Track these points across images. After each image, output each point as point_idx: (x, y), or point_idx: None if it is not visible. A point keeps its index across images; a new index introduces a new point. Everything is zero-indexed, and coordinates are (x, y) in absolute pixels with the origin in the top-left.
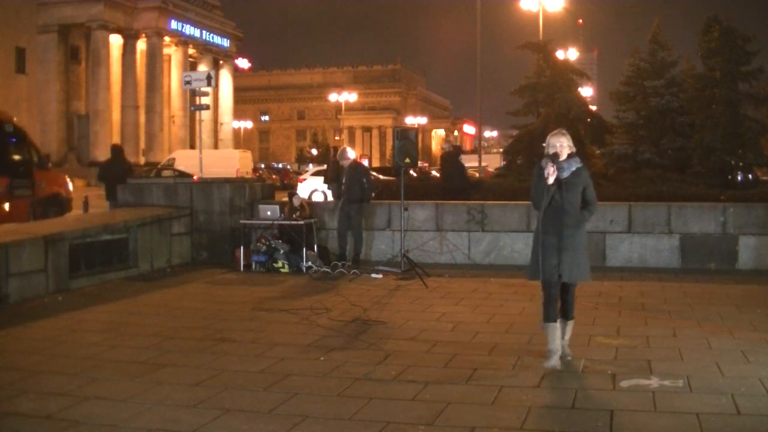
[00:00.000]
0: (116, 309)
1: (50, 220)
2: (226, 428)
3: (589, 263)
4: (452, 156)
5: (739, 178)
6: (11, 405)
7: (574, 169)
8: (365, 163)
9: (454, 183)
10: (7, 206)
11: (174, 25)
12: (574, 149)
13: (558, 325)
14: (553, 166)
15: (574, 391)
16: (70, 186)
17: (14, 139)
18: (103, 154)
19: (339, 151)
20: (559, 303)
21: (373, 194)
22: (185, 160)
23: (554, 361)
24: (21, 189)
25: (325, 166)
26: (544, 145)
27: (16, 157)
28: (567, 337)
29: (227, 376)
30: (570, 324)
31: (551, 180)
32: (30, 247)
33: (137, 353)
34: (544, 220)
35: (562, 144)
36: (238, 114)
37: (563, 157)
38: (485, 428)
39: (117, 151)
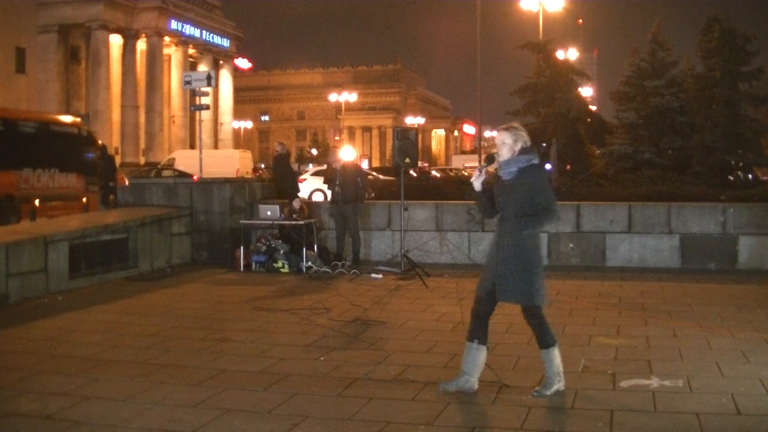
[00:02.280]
0: (116, 309)
1: (50, 220)
2: (226, 428)
3: (533, 283)
4: (283, 158)
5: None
6: (11, 405)
7: (514, 168)
8: (365, 163)
9: (285, 184)
10: (84, 200)
11: (174, 25)
12: (527, 143)
13: (477, 347)
14: (479, 169)
15: (574, 391)
16: (127, 182)
17: (87, 144)
18: None
19: (331, 153)
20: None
21: (370, 194)
22: (185, 160)
23: (454, 386)
24: (93, 185)
25: (325, 166)
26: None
27: (90, 159)
28: (547, 369)
29: (227, 376)
30: (543, 353)
31: (477, 185)
32: (30, 247)
33: (137, 353)
34: (497, 226)
35: (503, 141)
36: (238, 114)
37: (504, 155)
38: (485, 428)
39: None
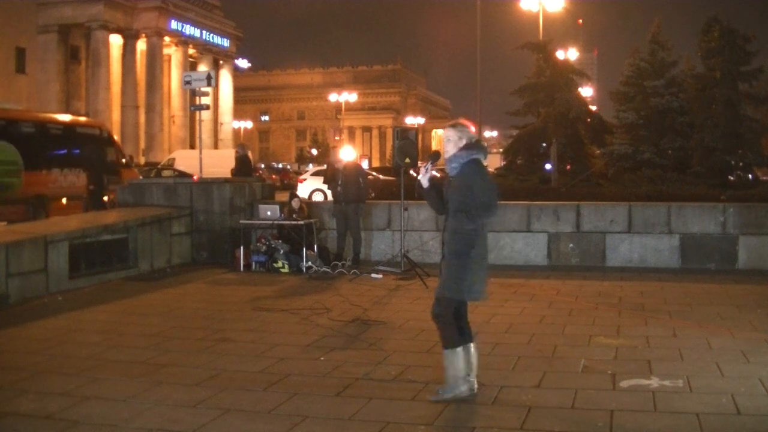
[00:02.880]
0: (116, 309)
1: (50, 220)
2: (226, 428)
3: (464, 278)
4: (245, 159)
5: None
6: (11, 405)
7: (457, 164)
8: (365, 163)
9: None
10: (105, 198)
11: (174, 25)
12: (472, 140)
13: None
14: (425, 166)
15: (574, 391)
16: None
17: (107, 144)
18: None
19: (332, 153)
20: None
21: (370, 194)
22: (185, 160)
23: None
24: (114, 184)
25: (325, 166)
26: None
27: (110, 159)
28: (448, 370)
29: (227, 376)
30: (445, 353)
31: (424, 181)
32: (30, 247)
33: (137, 353)
34: None
35: (447, 137)
36: (238, 114)
37: (449, 152)
38: (485, 428)
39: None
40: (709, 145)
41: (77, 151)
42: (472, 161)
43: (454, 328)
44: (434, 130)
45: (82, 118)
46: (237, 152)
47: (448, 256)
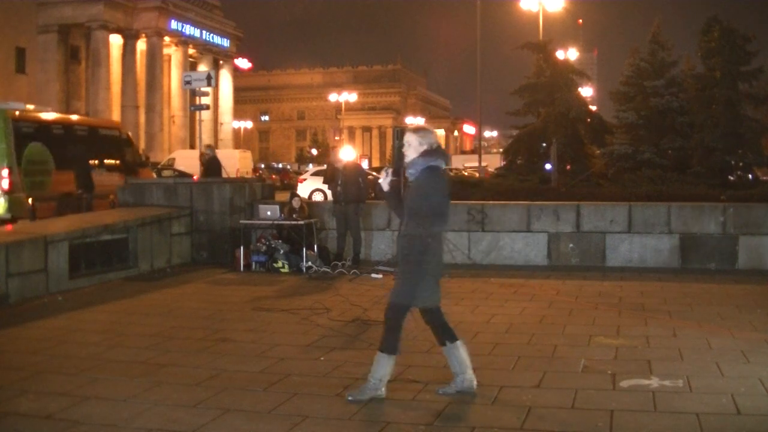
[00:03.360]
0: (116, 309)
1: (50, 220)
2: (226, 428)
3: (416, 283)
4: (213, 160)
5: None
6: (11, 405)
7: (415, 170)
8: (365, 163)
9: None
10: None
11: (174, 25)
12: (433, 146)
13: (459, 345)
14: (386, 169)
15: (574, 391)
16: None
17: (126, 145)
18: None
19: (332, 153)
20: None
21: (370, 194)
22: (185, 160)
23: (454, 389)
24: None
25: (325, 166)
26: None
27: (129, 159)
28: (373, 372)
29: (227, 376)
30: (377, 356)
31: (384, 185)
32: (30, 247)
33: (137, 353)
34: None
35: (409, 142)
36: (238, 114)
37: (409, 156)
38: (485, 428)
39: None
40: (709, 145)
41: (101, 151)
42: (430, 168)
43: (398, 335)
44: (434, 130)
45: (104, 121)
46: (205, 154)
47: (402, 261)
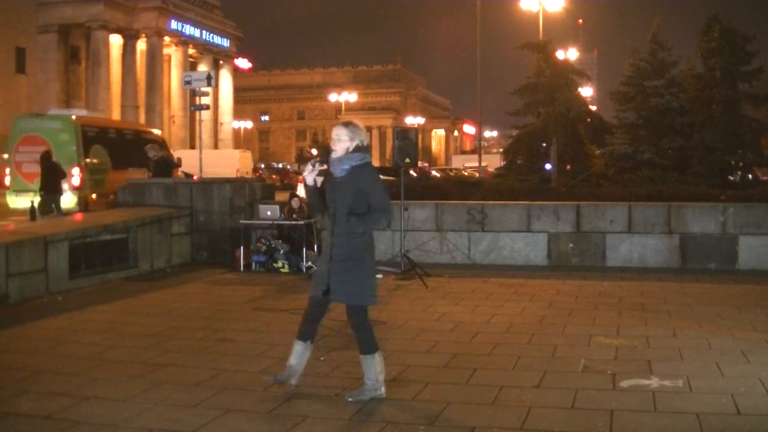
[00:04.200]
0: (116, 309)
1: (50, 220)
2: (226, 428)
3: (364, 282)
4: (167, 161)
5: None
6: (11, 405)
7: (347, 166)
8: None
9: None
10: None
11: (174, 25)
12: (362, 143)
13: (305, 346)
14: (312, 164)
15: (574, 391)
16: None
17: (162, 148)
18: None
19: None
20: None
21: None
22: (185, 160)
23: (283, 378)
24: None
25: (325, 166)
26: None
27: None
28: (368, 374)
29: (227, 376)
30: (364, 359)
31: (309, 180)
32: (30, 247)
33: (137, 353)
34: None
35: (339, 137)
36: (238, 114)
37: (339, 152)
38: (485, 428)
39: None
40: (709, 145)
41: (144, 154)
42: (366, 164)
43: (371, 333)
44: (434, 130)
45: (145, 126)
46: (154, 155)
47: (343, 261)
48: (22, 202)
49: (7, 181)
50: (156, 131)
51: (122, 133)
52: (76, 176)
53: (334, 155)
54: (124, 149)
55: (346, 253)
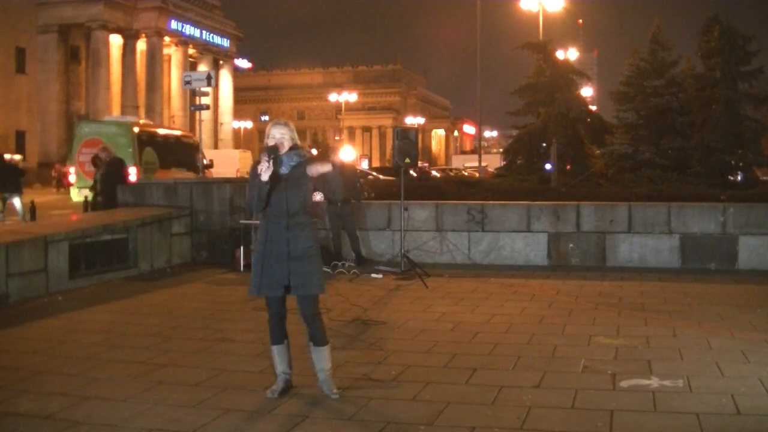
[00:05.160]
0: (116, 309)
1: (50, 220)
2: (226, 428)
3: (320, 274)
4: (118, 162)
5: (739, 177)
6: (11, 405)
7: (294, 163)
8: (365, 163)
9: (112, 190)
10: None
11: (174, 25)
12: (297, 141)
13: (284, 347)
14: (267, 160)
15: (574, 391)
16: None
17: (197, 151)
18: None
19: (331, 152)
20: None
21: (370, 194)
22: None
23: (277, 386)
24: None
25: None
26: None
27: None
28: (325, 366)
29: (227, 376)
30: (322, 350)
31: (265, 176)
32: (30, 247)
33: (137, 353)
34: (266, 223)
35: (283, 134)
36: (238, 114)
37: (284, 149)
38: (485, 428)
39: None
40: (709, 145)
41: (184, 155)
42: (306, 161)
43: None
44: (434, 130)
45: (185, 131)
46: (104, 157)
47: (301, 252)
48: (82, 197)
49: (72, 179)
50: (192, 136)
51: (167, 138)
52: (132, 174)
53: (284, 152)
54: (169, 151)
55: (304, 246)
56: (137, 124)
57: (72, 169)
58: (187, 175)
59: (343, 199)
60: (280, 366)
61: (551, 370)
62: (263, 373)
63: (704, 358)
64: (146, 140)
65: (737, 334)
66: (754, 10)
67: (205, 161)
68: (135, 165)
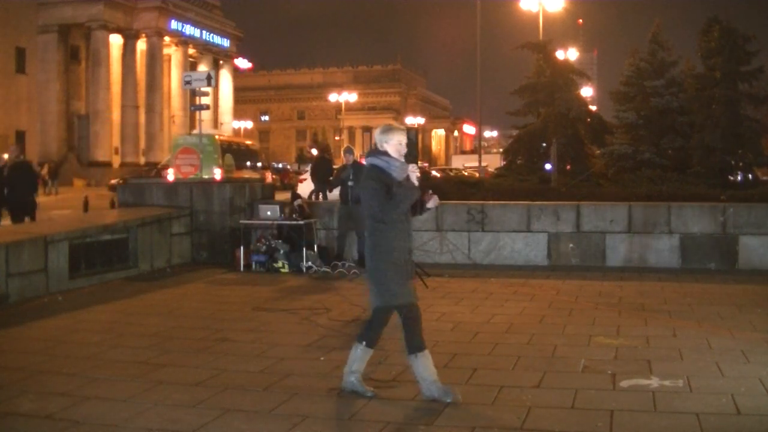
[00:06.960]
0: (116, 309)
1: (50, 221)
2: (226, 428)
3: (379, 288)
4: (23, 165)
5: (739, 178)
6: (11, 405)
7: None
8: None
9: (24, 192)
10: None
11: (174, 25)
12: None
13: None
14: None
15: (574, 391)
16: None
17: (257, 155)
18: (103, 154)
19: (344, 151)
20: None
21: None
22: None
23: (363, 387)
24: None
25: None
26: (377, 140)
27: (257, 164)
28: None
29: (227, 376)
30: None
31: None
32: (30, 247)
33: (137, 353)
34: (390, 229)
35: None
36: (238, 114)
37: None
38: (485, 428)
39: None
40: (709, 145)
41: (248, 159)
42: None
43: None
44: (434, 130)
45: (248, 139)
46: (14, 157)
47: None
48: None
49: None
50: (253, 143)
51: (239, 145)
52: (217, 174)
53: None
54: (240, 156)
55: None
56: (220, 135)
57: (170, 171)
58: (253, 174)
59: (357, 199)
60: (363, 367)
61: (551, 370)
62: (263, 373)
63: (704, 358)
64: (226, 148)
65: (737, 334)
66: (754, 10)
67: (259, 164)
68: (219, 167)
